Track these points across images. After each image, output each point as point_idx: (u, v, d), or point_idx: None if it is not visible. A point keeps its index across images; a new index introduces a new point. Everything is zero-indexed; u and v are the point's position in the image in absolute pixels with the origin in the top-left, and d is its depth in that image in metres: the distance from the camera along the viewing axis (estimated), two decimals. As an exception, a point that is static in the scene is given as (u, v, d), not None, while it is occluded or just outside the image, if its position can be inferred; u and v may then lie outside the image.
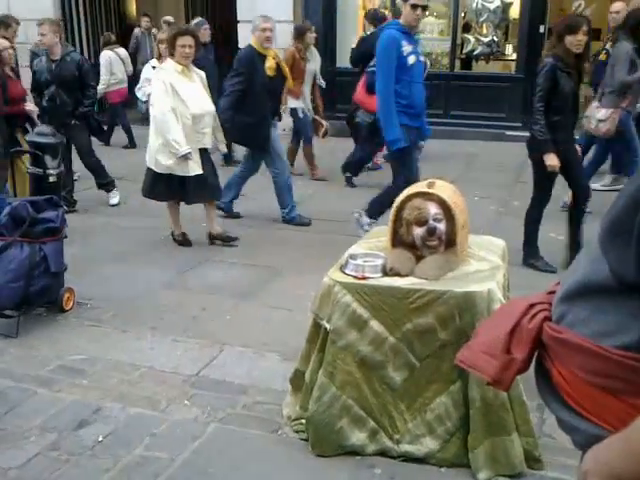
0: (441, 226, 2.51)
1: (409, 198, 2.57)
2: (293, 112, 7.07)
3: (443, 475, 2.45)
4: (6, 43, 5.61)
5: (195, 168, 4.84)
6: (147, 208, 5.98)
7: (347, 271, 2.55)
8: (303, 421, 2.66)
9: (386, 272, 2.52)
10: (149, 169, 4.97)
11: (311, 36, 7.12)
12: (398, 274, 2.50)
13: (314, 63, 7.25)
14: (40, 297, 3.78)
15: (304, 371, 2.71)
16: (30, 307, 3.79)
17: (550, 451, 2.54)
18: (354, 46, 8.05)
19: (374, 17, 7.60)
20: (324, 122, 7.21)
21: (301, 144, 7.42)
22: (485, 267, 2.60)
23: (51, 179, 4.83)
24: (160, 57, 6.41)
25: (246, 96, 5.29)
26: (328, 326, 2.51)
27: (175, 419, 2.84)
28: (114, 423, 2.81)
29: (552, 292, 1.19)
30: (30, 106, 5.66)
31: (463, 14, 10.16)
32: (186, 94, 4.73)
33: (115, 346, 3.53)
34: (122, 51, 9.00)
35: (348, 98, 7.33)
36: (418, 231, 2.53)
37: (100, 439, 2.70)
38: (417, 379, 2.47)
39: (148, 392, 3.06)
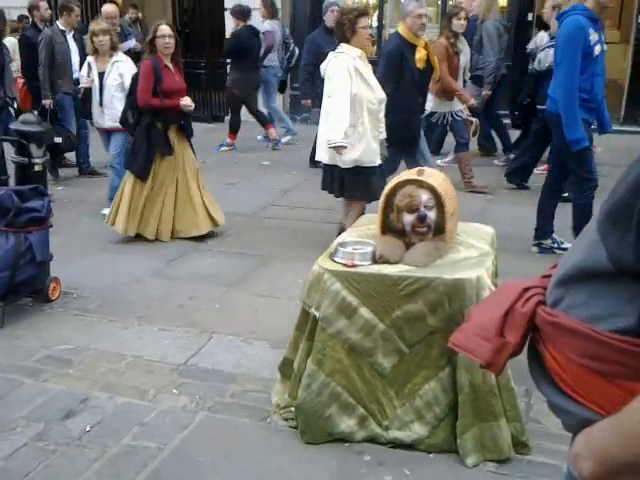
0: (431, 214, 2.51)
1: (400, 185, 2.56)
2: (442, 116, 6.10)
3: (432, 461, 2.46)
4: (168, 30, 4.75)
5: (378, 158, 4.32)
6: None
7: (337, 259, 2.55)
8: (292, 409, 2.66)
9: (376, 260, 2.52)
10: (332, 166, 4.33)
11: (459, 23, 5.99)
12: (388, 261, 2.50)
13: (464, 55, 6.26)
14: (26, 287, 3.74)
15: (293, 359, 2.70)
16: (16, 297, 3.76)
17: (537, 436, 2.56)
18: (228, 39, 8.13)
19: (241, 12, 7.72)
20: (473, 119, 6.31)
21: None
22: (474, 254, 2.61)
23: (36, 168, 4.78)
24: (96, 52, 5.53)
25: (394, 91, 4.57)
26: (317, 314, 2.51)
27: (163, 408, 2.83)
28: (101, 413, 2.79)
29: (547, 276, 1.19)
30: (187, 100, 4.87)
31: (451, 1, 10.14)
32: (370, 79, 4.21)
33: (102, 335, 3.50)
34: None
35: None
36: (408, 218, 2.53)
37: (87, 429, 2.68)
38: (406, 365, 2.47)
39: (136, 381, 3.05)
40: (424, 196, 2.51)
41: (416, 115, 4.92)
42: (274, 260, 4.60)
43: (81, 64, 6.18)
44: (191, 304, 3.91)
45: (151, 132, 4.78)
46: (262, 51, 7.94)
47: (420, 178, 2.55)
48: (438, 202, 2.52)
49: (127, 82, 5.14)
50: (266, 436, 2.63)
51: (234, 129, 8.14)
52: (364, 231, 2.88)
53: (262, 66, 8.05)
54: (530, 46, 6.84)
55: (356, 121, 4.14)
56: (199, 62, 10.16)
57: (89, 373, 3.12)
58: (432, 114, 6.07)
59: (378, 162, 4.30)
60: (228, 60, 8.25)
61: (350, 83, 4.09)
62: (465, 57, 6.24)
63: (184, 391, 2.96)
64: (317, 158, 4.49)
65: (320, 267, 2.53)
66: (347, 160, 4.19)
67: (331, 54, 4.25)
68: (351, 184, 4.30)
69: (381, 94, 4.27)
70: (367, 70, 4.22)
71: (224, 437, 2.63)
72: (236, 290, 4.11)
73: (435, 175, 2.65)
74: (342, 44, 4.23)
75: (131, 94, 4.87)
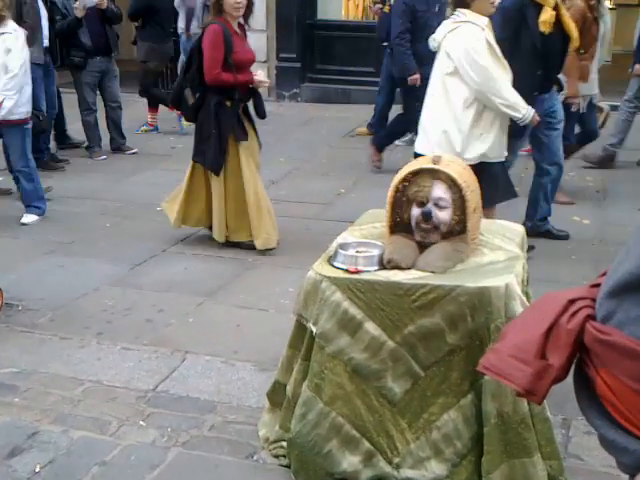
0: (443, 214, 2.51)
1: (412, 175, 2.56)
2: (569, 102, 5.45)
3: (452, 505, 2.46)
4: None
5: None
6: (88, 190, 5.93)
7: (336, 264, 2.54)
8: (284, 444, 2.65)
9: (384, 264, 2.51)
10: None
11: None
12: (398, 266, 2.49)
13: (604, 25, 5.77)
14: (-40, 298, 3.71)
15: (285, 383, 2.69)
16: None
17: (578, 475, 2.57)
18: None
19: None
20: (605, 105, 6.00)
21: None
22: (501, 257, 2.61)
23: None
24: None
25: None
26: (314, 329, 2.50)
27: (128, 444, 2.81)
28: (54, 450, 2.77)
29: (596, 285, 1.19)
30: (261, 75, 4.84)
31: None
32: (501, 55, 3.95)
33: (53, 356, 3.49)
34: None
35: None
36: (415, 211, 2.54)
37: (37, 469, 2.66)
38: (421, 391, 2.46)
39: (95, 412, 3.03)
40: (437, 191, 2.51)
41: (532, 91, 4.39)
42: (258, 265, 4.60)
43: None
44: (160, 318, 3.90)
45: (220, 114, 4.62)
46: (182, 15, 7.90)
47: (435, 167, 2.55)
48: (457, 195, 2.52)
49: (14, 61, 4.97)
50: (253, 477, 2.62)
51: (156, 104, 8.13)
52: (369, 230, 2.87)
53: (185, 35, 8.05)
54: None
55: (483, 109, 3.89)
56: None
57: (38, 402, 3.10)
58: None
59: (504, 157, 4.09)
60: (136, 24, 8.09)
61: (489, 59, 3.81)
62: (605, 26, 5.78)
63: (153, 423, 2.95)
64: (420, 150, 4.03)
65: (317, 273, 2.52)
66: (472, 156, 3.86)
67: (449, 23, 3.95)
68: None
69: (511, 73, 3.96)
70: (496, 45, 3.92)
71: (202, 478, 2.61)
72: (214, 301, 4.11)
73: (454, 164, 2.65)
74: (461, 10, 3.91)
75: (189, 69, 4.71)
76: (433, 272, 2.45)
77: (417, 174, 2.57)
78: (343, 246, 2.63)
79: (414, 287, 2.40)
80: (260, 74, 4.80)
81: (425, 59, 5.12)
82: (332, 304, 2.46)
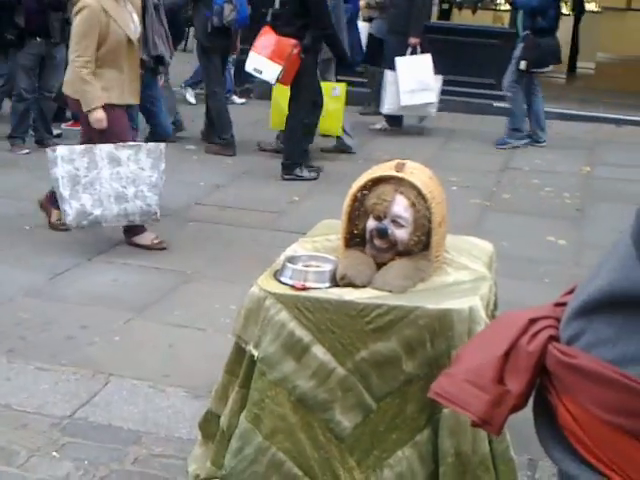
0: (400, 233, 2.51)
1: (372, 183, 2.56)
2: None
3: None
4: None
5: None
6: (7, 187, 5.83)
7: (283, 279, 2.53)
8: (217, 481, 2.63)
9: (336, 281, 2.51)
10: None
11: None
12: (352, 284, 2.49)
13: None
14: None
15: (219, 414, 2.67)
16: None
17: (543, 522, 2.58)
18: None
19: None
20: None
21: None
22: (466, 278, 2.62)
23: None
24: None
25: None
26: (255, 353, 2.48)
27: (39, 478, 2.77)
28: (-50, 483, 2.71)
29: (560, 304, 1.20)
30: None
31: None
32: None
33: (-45, 375, 3.41)
34: None
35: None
36: (370, 224, 2.55)
37: None
38: (373, 425, 2.46)
39: (1, 440, 2.97)
40: (397, 206, 2.50)
41: None
42: (198, 278, 4.58)
43: None
44: (82, 335, 3.84)
45: None
46: None
47: (398, 174, 2.56)
48: (421, 214, 2.52)
49: None
50: (180, 518, 2.59)
51: None
52: (322, 243, 2.87)
53: None
54: None
55: None
56: None
57: None
58: None
59: None
60: None
61: None
62: None
63: (68, 454, 2.90)
64: None
65: (261, 289, 2.50)
66: None
67: None
68: None
69: None
70: None
71: (121, 519, 2.59)
72: (144, 317, 4.07)
73: (419, 171, 2.66)
74: None
75: None
76: (391, 291, 2.45)
77: (378, 182, 2.57)
78: (292, 259, 2.62)
79: (369, 307, 2.40)
80: None
81: None
82: (277, 324, 2.44)
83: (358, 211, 2.61)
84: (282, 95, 6.94)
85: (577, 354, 1.08)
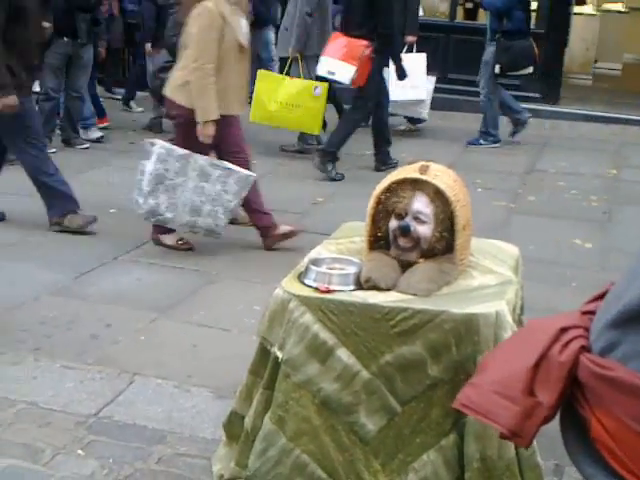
0: (423, 229, 2.50)
1: (395, 185, 2.56)
2: None
3: None
4: None
5: None
6: (31, 186, 5.85)
7: (307, 281, 2.53)
8: (240, 482, 2.63)
9: (360, 284, 2.51)
10: None
11: None
12: (376, 287, 2.48)
13: None
14: None
15: (243, 415, 2.67)
16: None
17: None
18: None
19: None
20: None
21: None
22: (492, 282, 2.61)
23: None
24: None
25: None
26: (280, 355, 2.48)
27: (63, 475, 2.78)
28: (-23, 480, 2.74)
29: (588, 312, 1.18)
30: None
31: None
32: None
33: (-18, 373, 3.44)
34: None
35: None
36: (392, 224, 2.55)
37: (-43, 502, 2.62)
38: (397, 429, 2.46)
39: (26, 437, 2.99)
40: (418, 204, 2.50)
41: None
42: (223, 279, 4.59)
43: None
44: (107, 334, 3.86)
45: None
46: None
47: (421, 177, 2.55)
48: (441, 210, 2.51)
49: None
50: (203, 518, 2.60)
51: None
52: (346, 245, 2.87)
53: None
54: None
55: None
56: None
57: (-38, 424, 3.06)
58: None
59: None
60: None
61: None
62: None
63: (93, 453, 2.92)
64: None
65: (285, 292, 2.51)
66: None
67: None
68: None
69: None
70: None
71: (145, 518, 2.60)
72: (169, 317, 4.08)
73: (443, 174, 2.65)
74: None
75: None
76: (416, 295, 2.45)
77: (401, 184, 2.57)
78: (316, 262, 2.62)
79: (394, 311, 2.39)
80: None
81: None
82: (301, 327, 2.45)
83: (382, 213, 2.60)
84: (264, 89, 7.06)
85: (614, 366, 1.06)
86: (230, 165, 4.69)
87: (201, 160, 4.64)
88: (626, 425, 1.04)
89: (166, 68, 6.03)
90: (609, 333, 1.10)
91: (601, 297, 1.25)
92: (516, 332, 1.90)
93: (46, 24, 6.15)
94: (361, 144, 7.20)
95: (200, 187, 4.64)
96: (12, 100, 4.76)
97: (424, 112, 8.26)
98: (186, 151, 4.65)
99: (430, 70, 8.17)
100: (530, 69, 7.89)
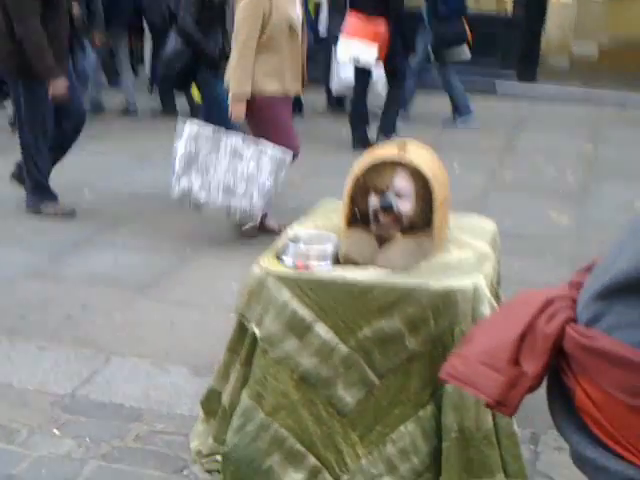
0: (403, 205, 2.52)
1: (373, 164, 2.56)
2: None
3: (405, 530, 2.48)
4: None
5: None
6: (4, 168, 5.80)
7: (285, 258, 2.54)
8: (219, 457, 2.65)
9: (338, 260, 2.52)
10: None
11: None
12: (354, 263, 2.50)
13: None
14: None
15: (221, 391, 2.69)
16: None
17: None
18: None
19: None
20: None
21: None
22: (469, 256, 2.63)
23: None
24: None
25: None
26: (257, 331, 2.49)
27: (40, 455, 2.78)
28: (-47, 460, 2.73)
29: (576, 284, 1.19)
30: None
31: None
32: None
33: (-44, 354, 3.42)
34: None
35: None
36: (373, 201, 2.55)
37: None
38: (375, 401, 2.48)
39: (2, 418, 2.99)
40: (399, 180, 2.52)
41: None
42: (199, 257, 4.59)
43: None
44: (83, 315, 3.85)
45: None
46: None
47: (401, 154, 2.56)
48: (423, 187, 2.53)
49: None
50: (182, 495, 2.61)
51: None
52: (323, 221, 2.88)
53: None
54: None
55: None
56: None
57: (-64, 405, 3.04)
58: None
59: None
60: None
61: None
62: None
63: (69, 432, 2.92)
64: None
65: (262, 268, 2.51)
66: None
67: None
68: None
69: None
70: None
71: (124, 496, 2.60)
72: (145, 297, 4.08)
73: (420, 151, 2.67)
74: None
75: None
76: (393, 270, 2.46)
77: (378, 164, 2.57)
78: (293, 239, 2.62)
79: (371, 286, 2.41)
80: None
81: None
82: (279, 303, 2.46)
83: (359, 190, 2.60)
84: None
85: (597, 336, 1.07)
86: (263, 143, 4.61)
87: (232, 140, 4.58)
88: (610, 394, 1.05)
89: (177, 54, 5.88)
90: (595, 304, 1.10)
91: (589, 269, 1.26)
92: (504, 303, 1.91)
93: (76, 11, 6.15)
94: (338, 124, 7.17)
95: (233, 166, 4.59)
96: (62, 82, 4.75)
97: (381, 88, 8.16)
98: (217, 129, 4.62)
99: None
100: (466, 52, 7.82)
